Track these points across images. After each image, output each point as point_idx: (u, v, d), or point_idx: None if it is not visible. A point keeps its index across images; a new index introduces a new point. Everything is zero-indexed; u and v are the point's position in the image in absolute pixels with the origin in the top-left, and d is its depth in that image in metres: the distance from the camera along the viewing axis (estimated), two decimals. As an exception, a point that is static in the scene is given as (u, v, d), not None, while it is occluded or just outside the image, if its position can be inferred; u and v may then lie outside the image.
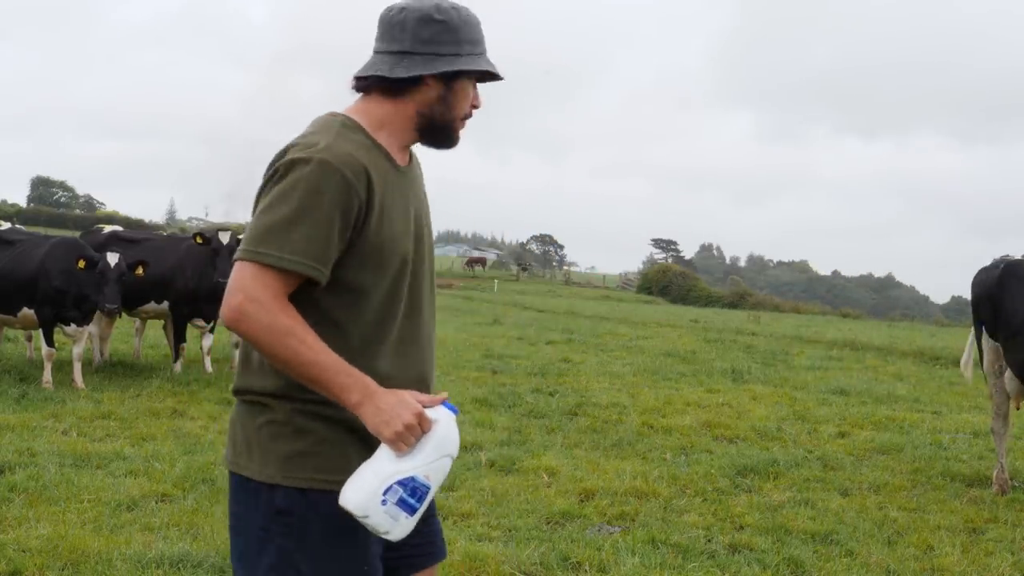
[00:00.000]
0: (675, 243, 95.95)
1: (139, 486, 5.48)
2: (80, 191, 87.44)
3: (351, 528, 2.04)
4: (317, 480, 2.05)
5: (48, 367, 8.70)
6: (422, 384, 2.18)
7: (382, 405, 1.95)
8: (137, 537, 4.61)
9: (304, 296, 2.03)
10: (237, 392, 2.16)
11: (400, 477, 1.95)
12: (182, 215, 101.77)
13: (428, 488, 1.99)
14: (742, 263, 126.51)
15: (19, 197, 75.09)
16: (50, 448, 6.23)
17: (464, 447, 6.78)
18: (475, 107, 2.22)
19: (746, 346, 16.99)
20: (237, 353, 10.63)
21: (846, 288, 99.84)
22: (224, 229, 10.24)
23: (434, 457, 1.99)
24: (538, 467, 6.37)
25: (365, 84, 2.16)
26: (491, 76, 2.22)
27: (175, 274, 9.92)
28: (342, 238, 2.01)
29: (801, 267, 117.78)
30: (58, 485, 5.38)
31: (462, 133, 2.23)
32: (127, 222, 45.21)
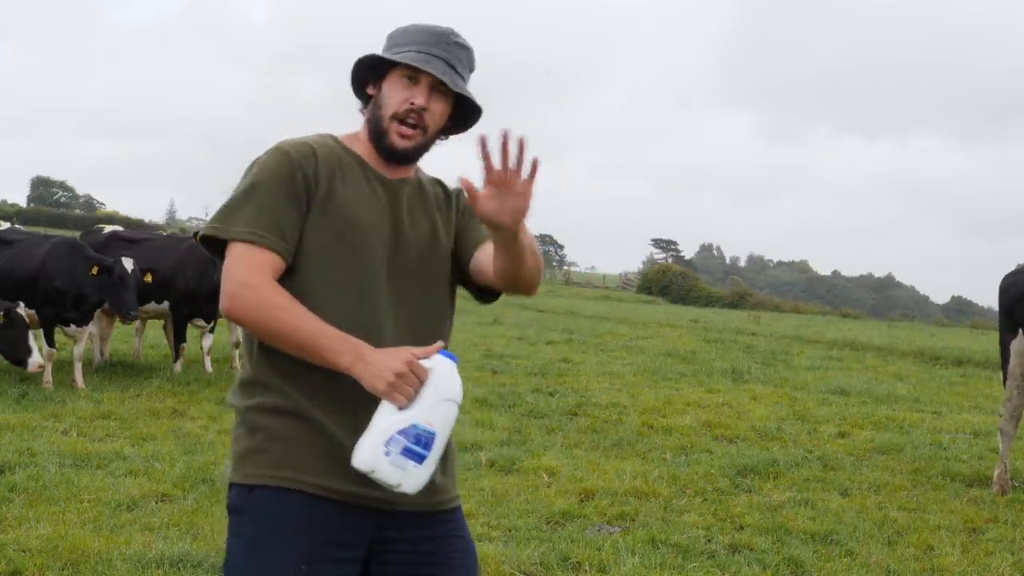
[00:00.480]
0: (675, 243, 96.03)
1: (139, 486, 5.48)
2: (80, 191, 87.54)
3: (285, 525, 2.04)
4: (258, 476, 2.07)
5: (48, 367, 8.70)
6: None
7: (372, 360, 1.98)
8: (137, 537, 4.61)
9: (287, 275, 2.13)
10: (229, 405, 2.24)
11: (401, 427, 1.97)
12: (182, 215, 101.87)
13: (433, 434, 1.99)
14: (742, 263, 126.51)
15: (19, 197, 75.19)
16: (50, 448, 6.23)
17: (464, 447, 6.78)
18: (412, 104, 2.13)
19: (746, 346, 17.00)
20: (237, 353, 10.67)
21: (846, 288, 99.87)
22: None
23: (432, 402, 1.99)
24: (538, 467, 6.37)
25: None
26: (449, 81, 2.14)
27: (175, 274, 9.92)
28: (292, 210, 2.10)
29: (801, 267, 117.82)
30: (58, 485, 5.38)
31: (404, 139, 2.15)
32: (127, 222, 45.21)
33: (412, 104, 2.13)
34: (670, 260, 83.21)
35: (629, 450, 7.22)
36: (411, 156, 2.20)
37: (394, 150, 2.17)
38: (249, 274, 2.04)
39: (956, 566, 4.76)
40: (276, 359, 2.10)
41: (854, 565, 4.73)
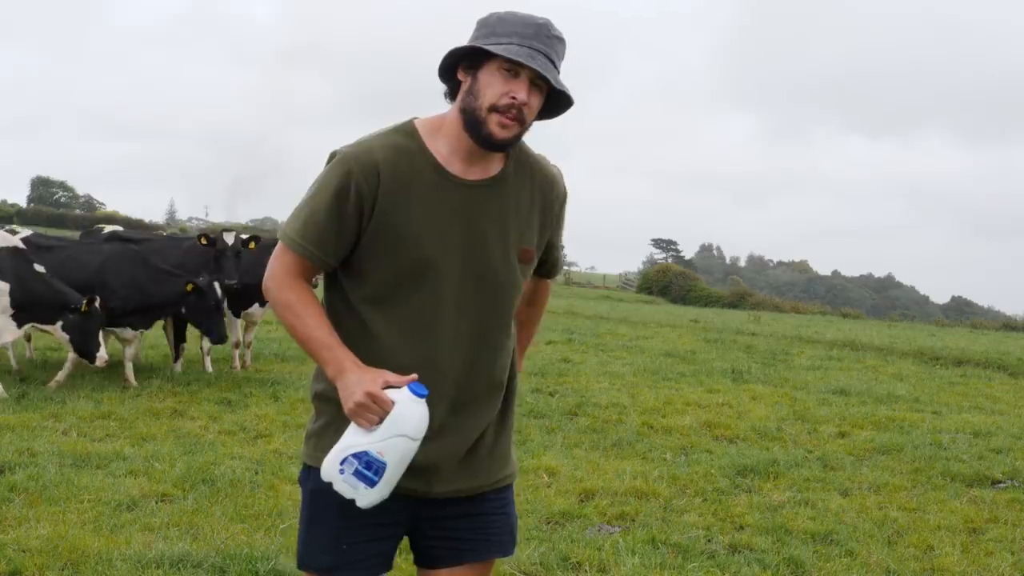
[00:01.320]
0: (675, 243, 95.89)
1: (139, 486, 5.48)
2: (80, 191, 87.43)
3: (329, 505, 2.19)
4: (313, 458, 2.25)
5: (69, 368, 8.78)
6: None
7: (346, 382, 2.11)
8: (137, 537, 4.61)
9: (338, 282, 2.27)
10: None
11: (354, 451, 2.09)
12: (182, 215, 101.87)
13: (384, 464, 2.09)
14: (742, 263, 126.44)
15: (19, 197, 75.13)
16: (50, 448, 6.23)
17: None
18: (514, 99, 2.12)
19: (746, 346, 16.99)
20: (237, 353, 10.67)
21: (846, 288, 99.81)
22: (228, 230, 10.23)
23: (388, 435, 2.08)
24: (538, 467, 6.37)
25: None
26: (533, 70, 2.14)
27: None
28: (343, 226, 2.16)
29: (801, 267, 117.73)
30: (58, 485, 5.38)
31: (503, 129, 2.14)
32: (127, 222, 45.19)
33: (514, 99, 2.13)
34: (670, 260, 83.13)
35: (629, 450, 7.21)
36: (509, 146, 2.20)
37: (494, 140, 2.16)
38: (278, 272, 2.23)
39: (956, 566, 4.76)
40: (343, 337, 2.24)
41: (854, 565, 4.73)
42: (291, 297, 2.20)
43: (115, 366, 10.24)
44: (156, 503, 5.22)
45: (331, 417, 2.23)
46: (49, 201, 77.16)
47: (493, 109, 2.13)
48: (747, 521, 5.38)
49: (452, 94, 2.24)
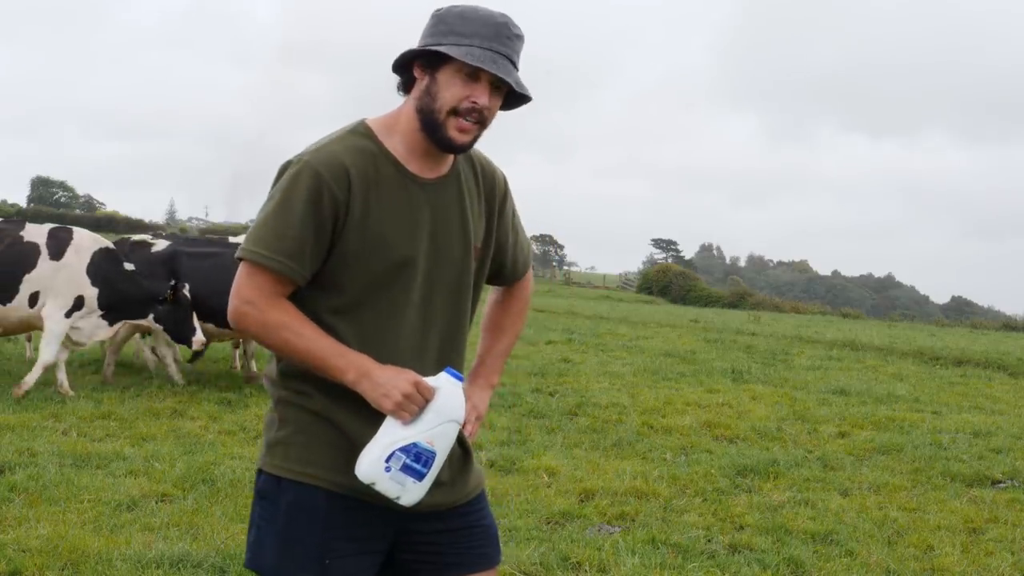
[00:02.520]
0: (675, 243, 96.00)
1: (139, 486, 5.48)
2: (80, 191, 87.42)
3: (310, 520, 2.12)
4: (286, 469, 2.16)
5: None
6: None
7: (379, 379, 2.04)
8: (137, 537, 4.61)
9: (301, 296, 2.14)
10: (263, 379, 2.36)
11: (402, 444, 2.03)
12: (182, 215, 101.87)
13: (433, 453, 2.05)
14: (742, 263, 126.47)
15: (19, 197, 75.13)
16: (50, 448, 6.23)
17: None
18: (474, 103, 2.07)
19: (746, 346, 16.99)
20: (237, 353, 10.66)
21: (846, 288, 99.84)
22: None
23: (436, 423, 2.05)
24: (538, 467, 6.37)
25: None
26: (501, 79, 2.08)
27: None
28: (319, 236, 2.08)
29: (801, 267, 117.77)
30: (58, 485, 5.38)
31: (463, 134, 2.10)
32: (127, 222, 45.20)
33: (475, 103, 2.08)
34: (670, 260, 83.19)
35: (629, 450, 7.21)
36: (467, 149, 2.16)
37: (453, 145, 2.12)
38: (252, 295, 2.09)
39: (956, 566, 4.76)
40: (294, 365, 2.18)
41: (854, 565, 4.73)
42: (281, 316, 2.08)
43: (116, 366, 10.25)
44: (156, 503, 5.22)
45: (301, 424, 2.16)
46: (49, 201, 77.19)
47: (453, 112, 2.08)
48: (747, 521, 5.38)
49: (406, 87, 2.17)
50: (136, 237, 10.43)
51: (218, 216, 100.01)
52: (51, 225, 8.74)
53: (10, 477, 5.50)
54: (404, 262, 2.14)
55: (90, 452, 6.19)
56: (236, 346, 10.78)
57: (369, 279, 2.12)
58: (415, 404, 2.03)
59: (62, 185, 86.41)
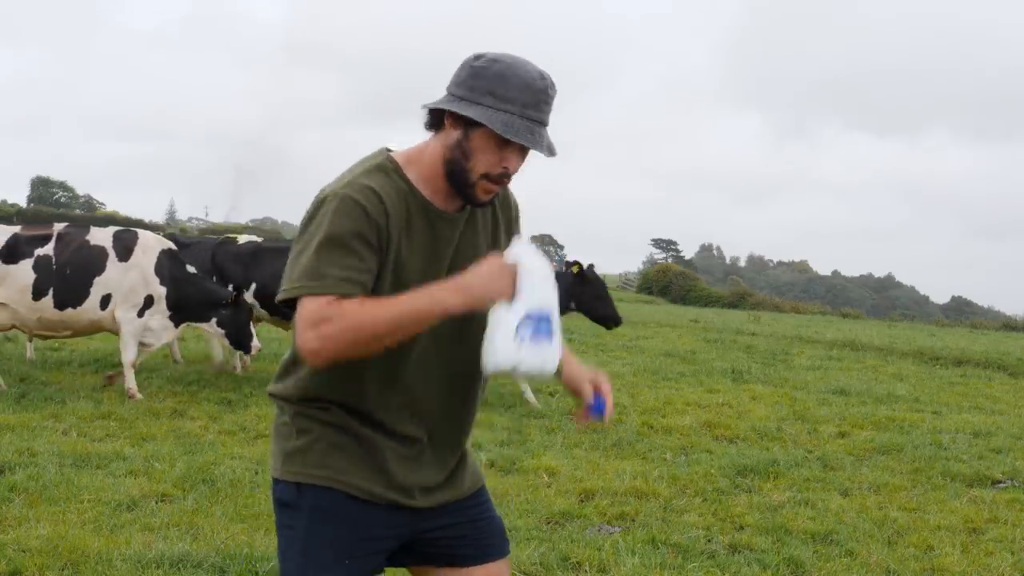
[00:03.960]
0: (675, 243, 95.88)
1: (139, 486, 5.48)
2: (80, 191, 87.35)
3: (332, 523, 2.18)
4: (305, 475, 2.19)
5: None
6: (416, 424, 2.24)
7: (473, 283, 2.04)
8: (137, 537, 4.61)
9: None
10: (269, 395, 2.31)
11: (519, 316, 2.07)
12: (182, 215, 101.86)
13: (548, 311, 2.10)
14: (742, 263, 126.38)
15: (19, 197, 75.03)
16: (50, 448, 6.23)
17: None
18: (506, 169, 2.11)
19: (746, 346, 16.99)
20: (238, 354, 10.65)
21: (846, 288, 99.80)
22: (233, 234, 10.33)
23: (535, 286, 2.09)
24: (538, 467, 6.37)
25: (425, 118, 2.21)
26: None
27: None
28: (371, 261, 2.08)
29: (801, 267, 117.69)
30: (58, 485, 5.38)
31: (488, 194, 2.14)
32: (127, 222, 45.18)
33: (506, 169, 2.12)
34: (670, 260, 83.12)
35: (629, 450, 7.21)
36: (489, 205, 2.23)
37: (479, 203, 2.17)
38: (323, 310, 2.00)
39: (956, 566, 4.76)
40: (326, 380, 2.16)
41: (854, 565, 4.73)
42: (355, 306, 2.00)
43: (116, 367, 10.24)
44: (156, 503, 5.22)
45: (319, 433, 2.19)
46: (49, 201, 77.11)
47: (485, 177, 2.11)
48: (747, 521, 5.38)
49: (434, 126, 2.18)
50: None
51: (218, 216, 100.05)
52: (115, 228, 8.92)
53: (10, 477, 5.50)
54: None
55: (90, 452, 6.18)
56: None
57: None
58: (511, 282, 2.05)
59: (62, 185, 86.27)
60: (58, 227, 8.60)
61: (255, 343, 8.84)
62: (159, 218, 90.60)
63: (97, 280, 8.29)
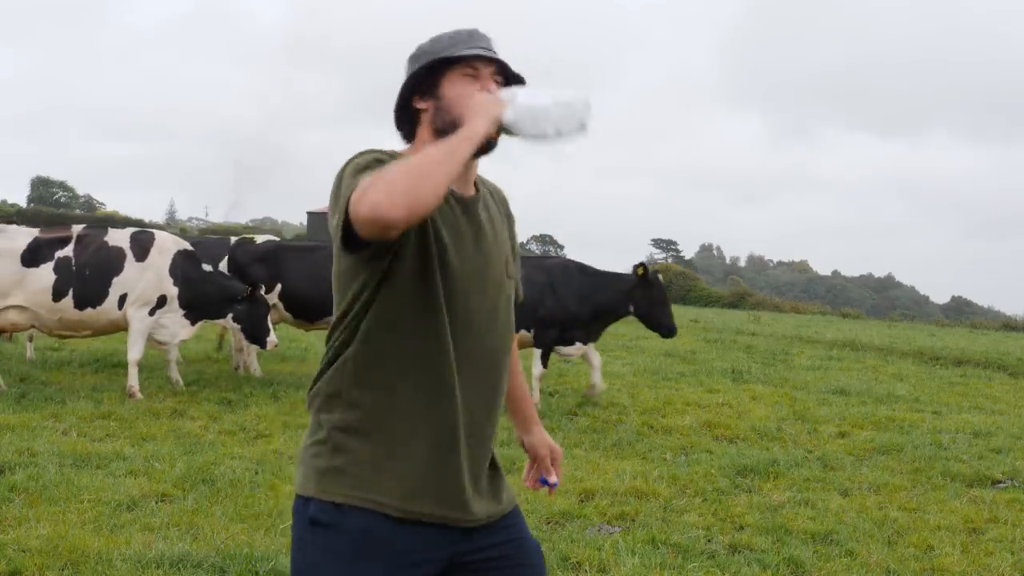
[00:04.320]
0: (675, 243, 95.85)
1: (139, 486, 5.48)
2: (80, 191, 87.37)
3: (376, 549, 2.09)
4: (345, 495, 2.10)
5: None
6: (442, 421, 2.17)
7: (479, 104, 2.06)
8: (137, 537, 4.61)
9: (357, 309, 2.12)
10: (309, 399, 2.24)
11: (531, 90, 2.12)
12: (182, 215, 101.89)
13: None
14: (742, 263, 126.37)
15: (19, 197, 75.05)
16: (50, 448, 6.23)
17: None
18: (489, 91, 2.15)
19: (746, 346, 17.00)
20: (237, 353, 10.65)
21: (846, 288, 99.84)
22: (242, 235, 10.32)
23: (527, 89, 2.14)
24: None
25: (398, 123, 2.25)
26: (484, 61, 2.18)
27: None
28: None
29: (801, 267, 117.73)
30: (58, 485, 5.38)
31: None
32: (127, 222, 45.21)
33: (490, 90, 2.15)
34: (670, 260, 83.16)
35: (629, 450, 7.21)
36: (497, 143, 2.17)
37: (491, 140, 2.12)
38: (364, 184, 1.87)
39: (956, 566, 4.76)
40: (365, 374, 2.12)
41: (854, 565, 4.73)
42: (390, 168, 1.87)
43: (116, 367, 10.24)
44: (156, 503, 5.22)
45: (358, 453, 2.12)
46: (49, 201, 77.12)
47: None
48: (747, 521, 5.38)
49: (408, 135, 2.23)
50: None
51: (218, 216, 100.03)
52: (132, 229, 9.12)
53: (10, 477, 5.50)
54: (457, 282, 2.13)
55: (90, 452, 6.19)
56: (239, 350, 10.78)
57: (426, 298, 2.10)
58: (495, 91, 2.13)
59: (62, 185, 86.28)
60: (76, 229, 8.83)
61: (271, 338, 8.97)
62: (159, 218, 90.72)
63: (115, 280, 8.51)
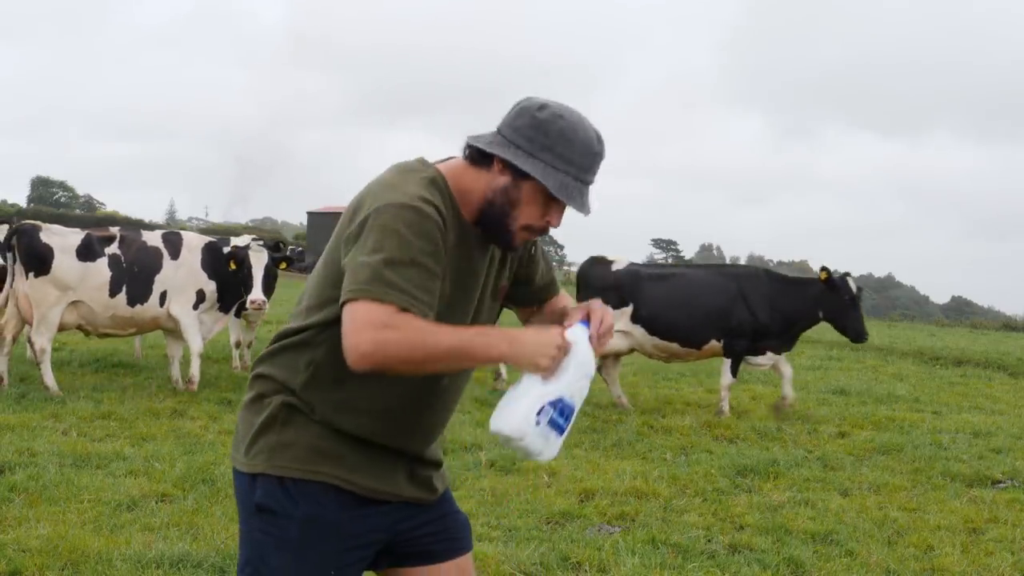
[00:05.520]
0: (675, 243, 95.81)
1: (139, 486, 5.48)
2: (80, 191, 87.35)
3: (325, 527, 2.13)
4: (294, 469, 2.12)
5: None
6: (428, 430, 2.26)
7: (527, 341, 2.04)
8: (137, 537, 4.60)
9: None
10: (255, 376, 2.25)
11: (550, 398, 2.07)
12: (182, 215, 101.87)
13: (573, 407, 2.11)
14: (742, 263, 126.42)
15: (19, 197, 75.06)
16: (50, 448, 6.23)
17: (464, 447, 6.79)
18: (549, 224, 2.13)
19: (746, 346, 16.97)
20: (237, 353, 10.66)
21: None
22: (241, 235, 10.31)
23: (577, 377, 2.10)
24: (538, 467, 6.37)
25: (467, 149, 2.17)
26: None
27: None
28: (436, 279, 2.05)
29: (801, 267, 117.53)
30: (58, 485, 5.38)
31: (522, 242, 2.17)
32: (128, 222, 45.21)
33: (548, 223, 2.13)
34: (670, 260, 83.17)
35: (629, 450, 7.21)
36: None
37: (512, 248, 2.19)
38: (384, 317, 1.95)
39: (956, 566, 4.76)
40: (326, 386, 2.14)
41: (854, 565, 4.73)
42: (419, 323, 1.96)
43: (116, 367, 10.24)
44: (156, 503, 5.22)
45: (308, 428, 2.14)
46: (49, 201, 77.12)
47: (526, 228, 2.13)
48: (747, 521, 5.37)
49: (476, 161, 2.14)
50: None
51: (217, 216, 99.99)
52: (160, 231, 9.48)
53: (10, 477, 5.50)
54: (457, 313, 2.17)
55: (90, 452, 6.18)
56: (236, 345, 10.78)
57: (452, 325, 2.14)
58: (560, 359, 2.06)
59: (62, 185, 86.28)
60: (114, 229, 9.22)
61: (253, 295, 9.03)
62: (159, 218, 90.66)
63: (157, 278, 8.83)
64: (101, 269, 8.56)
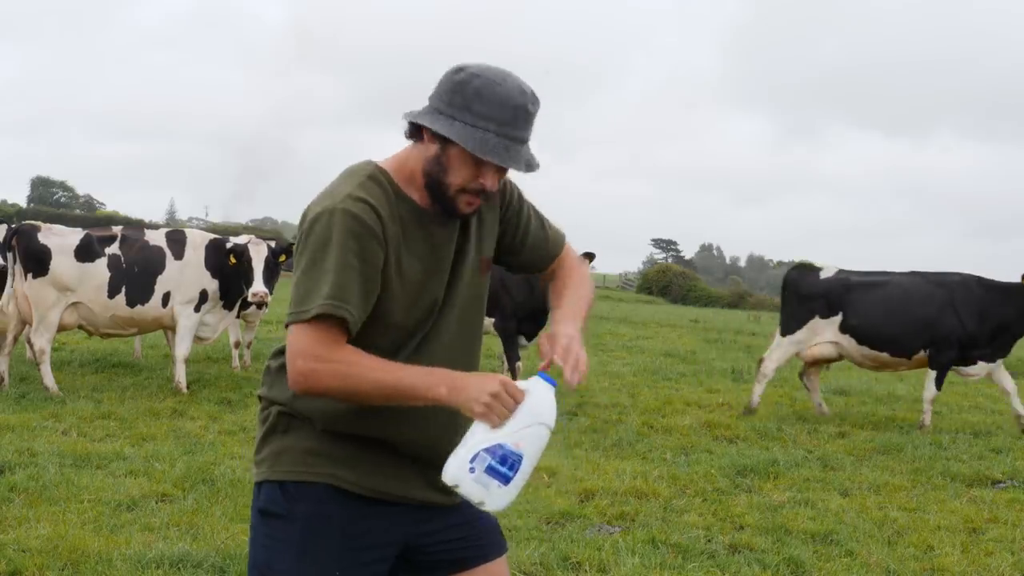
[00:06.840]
0: (675, 243, 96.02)
1: (139, 486, 5.48)
2: (80, 191, 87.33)
3: (328, 527, 2.12)
4: (297, 472, 2.14)
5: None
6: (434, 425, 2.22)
7: (469, 386, 2.01)
8: (137, 537, 4.61)
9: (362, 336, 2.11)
10: (259, 398, 2.29)
11: (486, 445, 2.00)
12: (182, 215, 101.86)
13: (519, 456, 2.03)
14: (742, 263, 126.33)
15: (19, 197, 75.02)
16: (50, 448, 6.23)
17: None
18: (483, 185, 2.09)
19: (746, 346, 16.99)
20: (236, 353, 10.66)
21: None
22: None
23: (524, 424, 2.03)
24: (538, 467, 6.34)
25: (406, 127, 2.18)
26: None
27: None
28: (374, 280, 2.06)
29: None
30: (58, 485, 5.38)
31: (470, 206, 2.13)
32: (128, 222, 45.20)
33: (483, 185, 2.10)
34: (670, 260, 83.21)
35: (629, 450, 7.21)
36: (472, 216, 2.21)
37: (459, 215, 2.16)
38: (316, 347, 2.00)
39: (956, 566, 4.76)
40: (315, 402, 2.13)
41: (854, 565, 4.73)
42: (354, 356, 2.00)
43: (115, 367, 10.24)
44: (156, 503, 5.22)
45: (308, 432, 2.16)
46: (49, 201, 77.12)
47: (463, 191, 2.10)
48: (747, 521, 5.38)
49: (413, 135, 2.16)
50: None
51: (217, 216, 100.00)
52: (165, 229, 9.43)
53: (10, 477, 5.50)
54: (434, 302, 2.17)
55: (90, 452, 6.19)
56: (236, 346, 10.78)
57: (405, 322, 2.14)
58: (503, 405, 2.00)
59: (62, 185, 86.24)
60: (116, 229, 9.16)
61: (254, 287, 9.00)
62: (159, 218, 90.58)
63: (160, 278, 8.82)
64: (100, 270, 8.56)
